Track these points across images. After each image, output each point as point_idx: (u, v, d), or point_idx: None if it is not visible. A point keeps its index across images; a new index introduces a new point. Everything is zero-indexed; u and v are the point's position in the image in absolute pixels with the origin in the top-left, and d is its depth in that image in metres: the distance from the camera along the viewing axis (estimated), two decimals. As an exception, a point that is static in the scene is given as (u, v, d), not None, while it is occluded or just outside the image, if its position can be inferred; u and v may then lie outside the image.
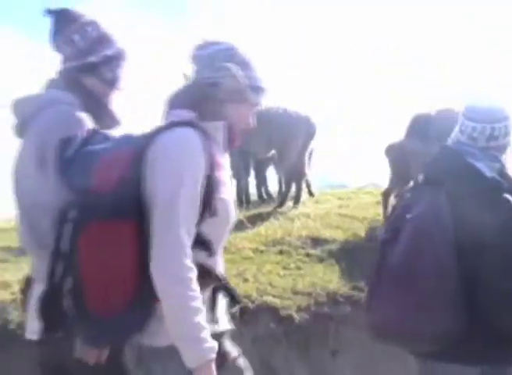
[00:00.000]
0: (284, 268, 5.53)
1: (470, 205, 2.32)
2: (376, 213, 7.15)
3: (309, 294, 5.10)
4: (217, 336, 2.04)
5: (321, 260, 5.80)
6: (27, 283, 2.51)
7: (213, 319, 2.09)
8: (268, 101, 7.49)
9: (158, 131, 2.02)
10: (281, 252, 5.83)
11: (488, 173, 2.38)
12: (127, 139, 2.11)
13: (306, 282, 5.26)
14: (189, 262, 1.94)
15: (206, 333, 1.94)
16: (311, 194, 8.52)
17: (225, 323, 2.13)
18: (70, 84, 2.45)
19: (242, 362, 2.17)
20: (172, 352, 1.96)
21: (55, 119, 2.33)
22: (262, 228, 6.47)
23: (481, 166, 2.40)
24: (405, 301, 2.34)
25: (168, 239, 1.93)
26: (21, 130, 2.45)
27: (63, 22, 2.46)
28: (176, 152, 1.98)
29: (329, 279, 5.37)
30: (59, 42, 2.48)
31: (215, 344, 1.95)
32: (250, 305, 4.89)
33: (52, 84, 2.51)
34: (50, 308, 2.12)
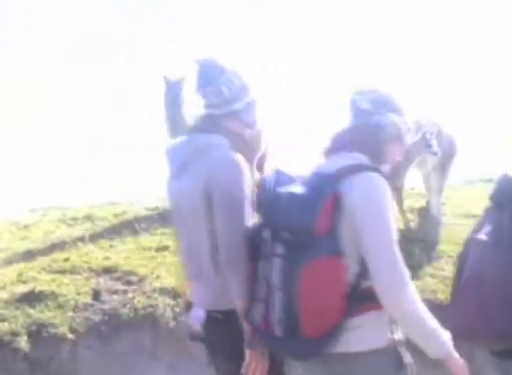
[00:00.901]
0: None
1: None
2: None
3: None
4: (398, 343, 2.36)
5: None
6: (188, 306, 2.89)
7: (392, 330, 2.36)
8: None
9: (347, 174, 2.28)
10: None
11: None
12: (315, 179, 2.34)
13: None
14: (412, 284, 2.27)
15: (440, 330, 2.30)
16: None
17: (400, 333, 2.40)
18: (215, 128, 2.74)
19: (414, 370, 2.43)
20: (362, 357, 2.29)
21: (217, 161, 2.62)
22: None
23: None
24: (472, 305, 2.60)
25: (395, 270, 2.24)
26: (180, 172, 2.73)
27: (213, 74, 2.75)
28: (379, 198, 2.28)
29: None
30: (208, 92, 2.75)
31: (448, 335, 2.31)
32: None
33: (199, 129, 2.79)
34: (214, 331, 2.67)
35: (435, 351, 2.30)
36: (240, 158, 2.64)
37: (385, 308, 2.27)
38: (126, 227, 6.53)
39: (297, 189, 2.32)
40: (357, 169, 2.30)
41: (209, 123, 2.77)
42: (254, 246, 2.43)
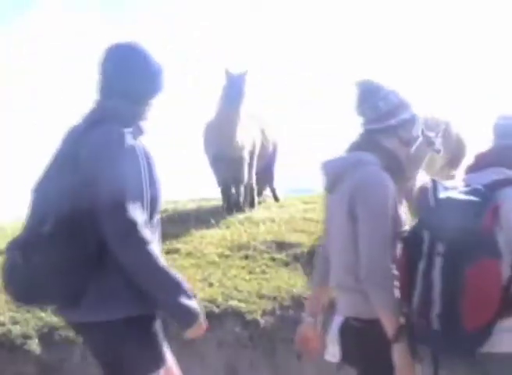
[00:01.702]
0: (249, 272, 5.54)
1: None
2: (341, 217, 7.18)
3: (274, 298, 5.11)
4: None
5: (286, 264, 5.82)
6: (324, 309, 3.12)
7: None
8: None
9: (501, 186, 2.54)
10: (246, 257, 5.84)
11: None
12: (473, 189, 2.57)
13: (271, 286, 5.28)
14: None
15: None
16: (276, 198, 8.54)
17: None
18: (372, 145, 2.82)
19: None
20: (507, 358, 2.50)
21: (363, 178, 2.72)
22: (227, 233, 6.47)
23: None
24: None
25: None
26: (332, 187, 2.84)
27: (369, 91, 2.85)
28: None
29: (294, 283, 5.40)
30: (365, 108, 2.85)
31: None
32: (215, 309, 4.89)
33: (355, 146, 2.88)
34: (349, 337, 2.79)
35: None
36: (386, 176, 2.73)
37: None
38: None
39: (459, 196, 2.57)
40: (509, 182, 2.57)
41: (366, 141, 2.86)
42: (414, 246, 2.61)
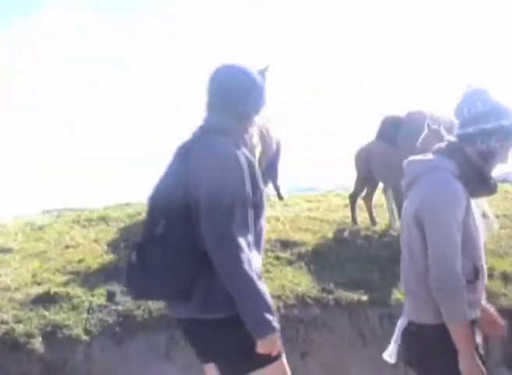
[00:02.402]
0: (253, 271, 5.51)
1: None
2: (345, 216, 7.17)
3: (278, 297, 5.08)
4: None
5: (290, 263, 5.80)
6: None
7: None
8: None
9: None
10: (250, 255, 5.81)
11: None
12: None
13: (275, 285, 5.25)
14: None
15: None
16: (280, 197, 8.52)
17: None
18: (453, 151, 2.78)
19: None
20: None
21: (430, 186, 2.70)
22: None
23: None
24: None
25: None
26: (409, 186, 2.84)
27: (464, 95, 2.81)
28: None
29: (299, 281, 5.38)
30: (455, 112, 2.82)
31: None
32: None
33: (438, 149, 2.84)
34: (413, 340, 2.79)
35: None
36: (455, 184, 2.69)
37: None
38: (140, 228, 6.53)
39: None
40: None
41: (450, 145, 2.82)
42: None
